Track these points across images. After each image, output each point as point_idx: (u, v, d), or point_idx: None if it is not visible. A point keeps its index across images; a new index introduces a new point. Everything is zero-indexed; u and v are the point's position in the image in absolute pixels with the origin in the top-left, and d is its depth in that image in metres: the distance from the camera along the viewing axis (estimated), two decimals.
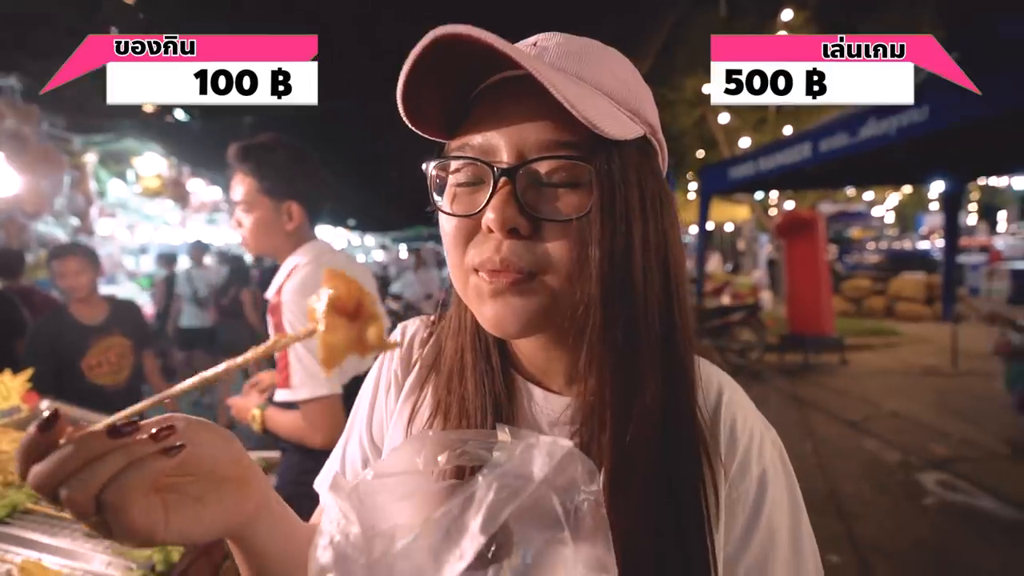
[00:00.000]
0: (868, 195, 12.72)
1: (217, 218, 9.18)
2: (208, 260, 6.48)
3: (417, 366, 0.60)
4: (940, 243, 13.38)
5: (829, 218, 9.99)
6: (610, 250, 0.44)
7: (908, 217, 19.94)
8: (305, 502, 1.54)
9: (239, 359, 0.42)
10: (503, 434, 0.40)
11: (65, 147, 5.17)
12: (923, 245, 15.94)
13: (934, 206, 16.98)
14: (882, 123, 3.22)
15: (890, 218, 14.43)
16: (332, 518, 0.37)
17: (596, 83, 0.47)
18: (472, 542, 0.33)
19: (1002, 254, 15.52)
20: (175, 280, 6.08)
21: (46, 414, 0.35)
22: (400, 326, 0.65)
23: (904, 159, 4.79)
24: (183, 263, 6.41)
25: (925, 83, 2.81)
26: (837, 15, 9.20)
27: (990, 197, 21.10)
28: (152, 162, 6.55)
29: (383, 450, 0.60)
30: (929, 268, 10.00)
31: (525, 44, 0.48)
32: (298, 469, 1.43)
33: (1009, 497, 3.37)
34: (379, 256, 20.27)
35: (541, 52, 0.47)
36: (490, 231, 0.45)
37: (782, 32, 9.57)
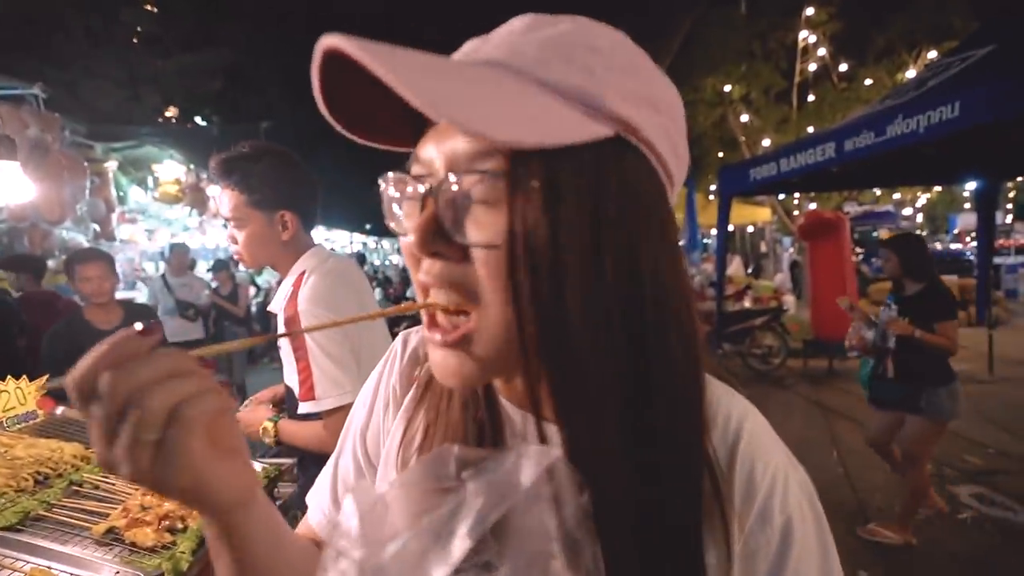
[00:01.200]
0: (896, 195, 12.33)
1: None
2: (199, 265, 6.73)
3: (416, 384, 0.56)
4: (973, 244, 12.86)
5: (855, 219, 9.71)
6: (536, 281, 0.37)
7: (939, 218, 19.26)
8: None
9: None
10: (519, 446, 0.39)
11: (86, 154, 5.30)
12: (955, 246, 15.39)
13: (967, 206, 16.39)
14: (910, 121, 3.08)
15: (919, 219, 13.93)
16: (342, 525, 0.38)
17: (541, 77, 0.38)
18: (460, 546, 0.34)
19: None
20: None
21: (140, 326, 0.36)
22: (401, 336, 0.61)
23: (934, 158, 4.59)
24: (162, 269, 6.24)
25: (956, 78, 2.66)
26: (862, 11, 8.94)
27: None
28: (171, 168, 6.67)
29: (378, 468, 0.57)
30: (962, 270, 9.62)
31: (508, 27, 0.43)
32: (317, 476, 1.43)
33: None
34: (396, 259, 20.40)
35: (506, 38, 0.41)
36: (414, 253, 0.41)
37: (804, 30, 9.34)
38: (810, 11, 8.90)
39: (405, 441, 0.53)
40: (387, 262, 19.99)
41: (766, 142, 10.05)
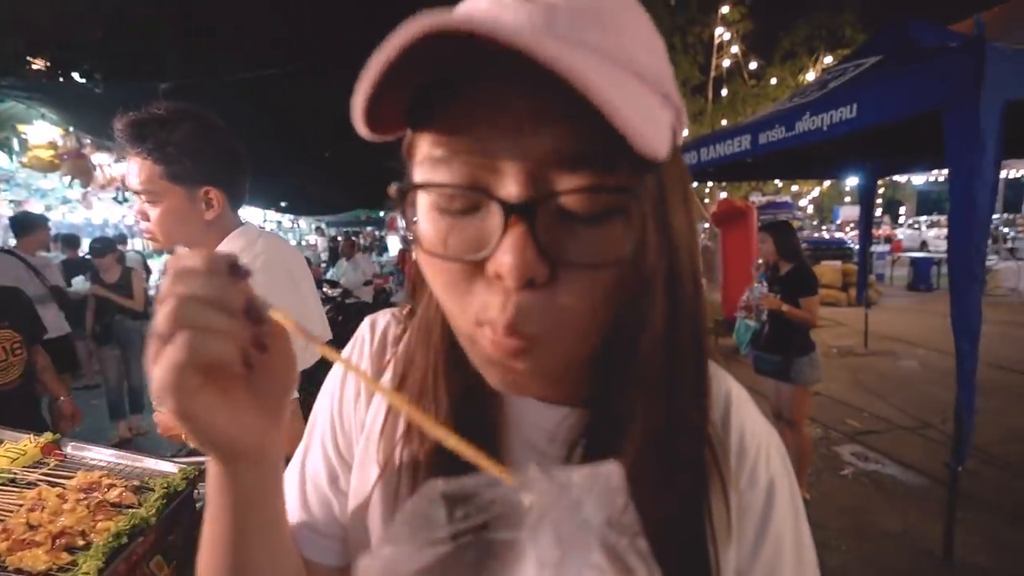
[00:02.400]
0: (794, 188, 13.60)
1: (131, 197, 8.29)
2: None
3: (389, 371, 0.51)
4: (853, 234, 14.54)
5: (759, 208, 10.59)
6: (663, 265, 0.38)
7: (826, 209, 21.61)
8: None
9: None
10: (529, 472, 0.31)
11: None
12: (839, 235, 17.32)
13: (847, 199, 18.51)
14: (815, 119, 3.35)
15: (810, 210, 15.52)
16: None
17: (627, 59, 0.33)
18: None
19: (902, 244, 17.19)
20: (81, 266, 5.43)
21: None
22: (368, 320, 0.56)
23: (830, 154, 5.08)
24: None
25: (852, 82, 2.92)
26: (770, 14, 9.65)
27: (892, 192, 23.27)
28: (43, 130, 5.77)
29: (353, 465, 0.52)
30: (845, 257, 10.84)
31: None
32: None
33: (911, 464, 3.72)
34: (312, 240, 19.28)
35: (548, 12, 0.32)
36: (498, 277, 0.33)
37: (720, 27, 9.91)
38: (725, 9, 9.46)
39: (385, 433, 0.49)
40: (303, 242, 18.86)
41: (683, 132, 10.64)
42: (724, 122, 9.77)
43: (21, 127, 5.66)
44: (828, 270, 9.88)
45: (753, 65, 9.96)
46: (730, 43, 9.98)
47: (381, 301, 7.53)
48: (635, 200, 0.33)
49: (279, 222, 20.24)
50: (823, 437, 4.22)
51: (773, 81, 9.71)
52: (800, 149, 3.59)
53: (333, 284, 7.16)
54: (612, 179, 0.32)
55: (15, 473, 1.39)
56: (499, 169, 0.32)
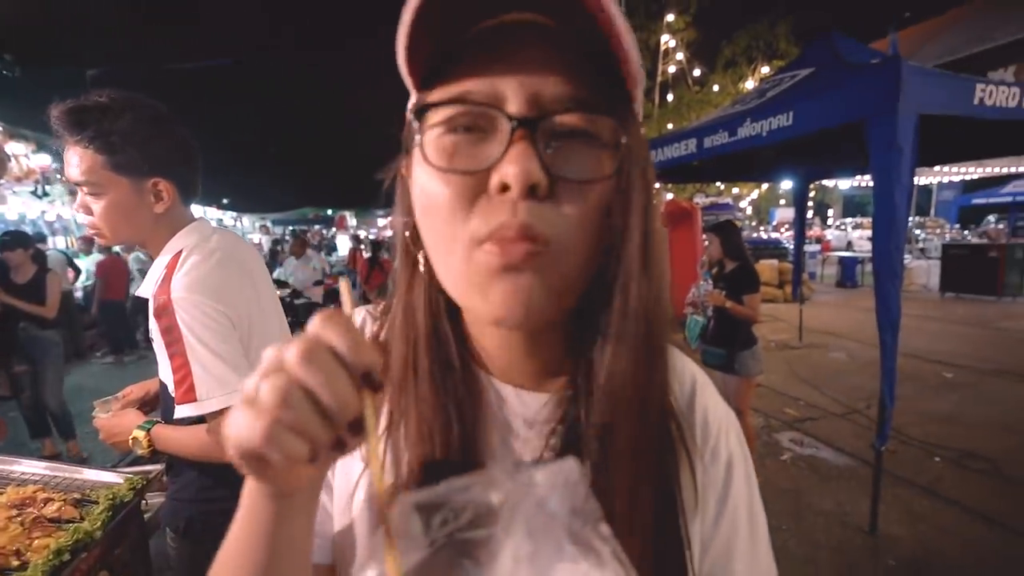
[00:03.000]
0: (735, 190, 14.34)
1: (52, 191, 7.61)
2: None
3: None
4: (788, 234, 15.50)
5: (703, 209, 11.07)
6: (637, 222, 0.41)
7: (763, 211, 22.92)
8: (214, 518, 1.31)
9: None
10: (491, 472, 0.33)
11: None
12: (775, 235, 18.41)
13: (782, 201, 19.72)
14: (755, 125, 3.56)
15: (749, 211, 16.43)
16: None
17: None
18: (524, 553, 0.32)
19: (831, 244, 18.49)
20: None
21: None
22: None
23: (767, 159, 5.39)
24: None
25: (788, 92, 3.11)
26: (712, 23, 10.13)
27: (822, 195, 24.98)
28: None
29: (336, 468, 0.52)
30: (781, 255, 11.53)
31: None
32: (197, 486, 1.25)
33: (842, 448, 4.02)
34: (256, 239, 18.45)
35: None
36: (503, 190, 0.37)
37: (665, 34, 10.30)
38: (671, 17, 9.84)
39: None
40: (248, 241, 17.97)
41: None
42: (670, 126, 10.18)
43: None
44: (766, 268, 10.48)
45: (697, 72, 10.44)
46: (675, 50, 10.40)
47: (331, 301, 7.32)
48: (617, 131, 0.39)
49: (220, 219, 19.22)
50: (764, 425, 4.49)
51: (716, 88, 10.22)
52: (741, 153, 3.81)
53: (282, 284, 6.90)
54: (602, 109, 0.38)
55: None
56: (506, 96, 0.38)
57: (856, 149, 2.96)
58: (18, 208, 7.31)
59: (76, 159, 1.14)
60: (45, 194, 7.57)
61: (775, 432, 4.38)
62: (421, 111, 0.40)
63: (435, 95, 0.40)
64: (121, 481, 1.51)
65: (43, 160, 6.79)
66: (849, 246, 18.05)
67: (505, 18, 0.39)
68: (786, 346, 7.12)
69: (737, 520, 0.50)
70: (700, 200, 12.77)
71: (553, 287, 0.39)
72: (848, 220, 23.26)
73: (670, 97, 10.72)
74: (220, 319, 1.15)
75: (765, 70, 9.64)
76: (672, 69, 10.53)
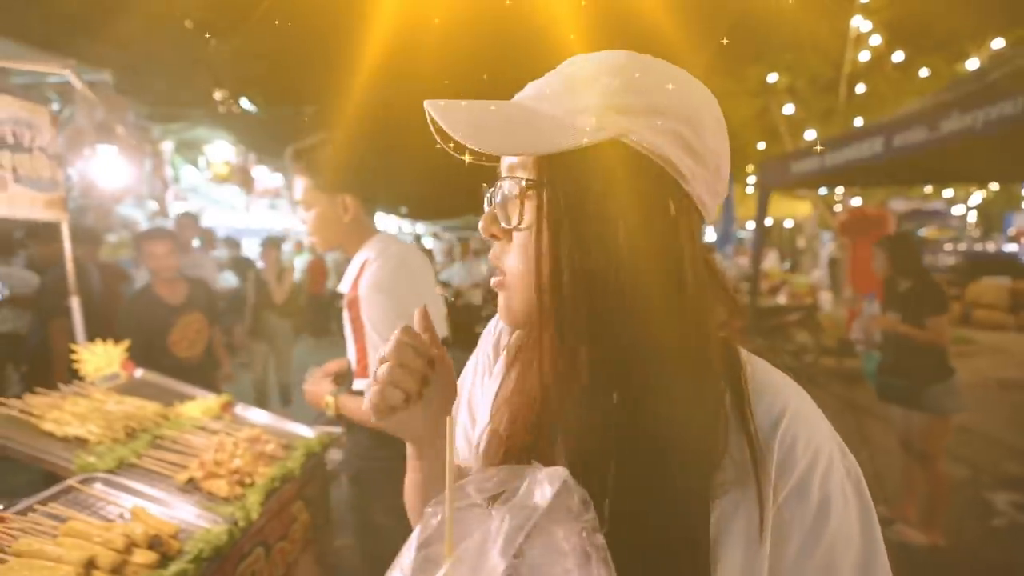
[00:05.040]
0: (948, 192, 11.71)
1: (278, 204, 9.64)
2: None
3: (504, 353, 0.65)
4: None
5: (901, 216, 9.33)
6: (547, 259, 0.49)
7: (994, 217, 18.10)
8: (376, 476, 1.63)
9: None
10: (530, 468, 0.44)
11: (145, 135, 5.58)
12: (1011, 247, 14.57)
13: None
14: (966, 116, 2.97)
15: (972, 217, 13.07)
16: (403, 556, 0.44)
17: (546, 107, 0.50)
18: (496, 569, 0.37)
19: None
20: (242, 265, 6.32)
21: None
22: (494, 319, 0.72)
23: (993, 154, 4.39)
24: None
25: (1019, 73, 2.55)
26: None
27: None
28: (221, 150, 6.97)
29: (476, 427, 0.67)
30: (1016, 272, 9.16)
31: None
32: (366, 445, 1.55)
33: None
34: (429, 244, 20.62)
35: (538, 81, 0.54)
36: None
37: (857, 16, 8.93)
38: None
39: (497, 395, 0.62)
40: (421, 246, 20.18)
41: (810, 134, 9.71)
42: (858, 121, 8.79)
43: (205, 147, 6.90)
44: (990, 288, 8.45)
45: (899, 56, 8.84)
46: (869, 34, 8.95)
47: (489, 302, 7.90)
48: (542, 187, 0.49)
49: (399, 227, 21.92)
50: (971, 479, 3.67)
51: (924, 73, 8.52)
52: (954, 149, 3.19)
53: (445, 285, 7.67)
54: (522, 173, 0.51)
55: (204, 423, 1.78)
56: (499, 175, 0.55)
57: None
58: (260, 219, 9.36)
59: (298, 184, 1.54)
60: (273, 206, 9.58)
61: (986, 490, 3.55)
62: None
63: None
64: (314, 436, 1.92)
65: (277, 180, 8.66)
66: None
67: None
68: (1013, 386, 5.66)
69: (834, 570, 0.47)
70: (897, 206, 10.76)
71: (512, 305, 0.54)
72: None
73: (860, 88, 9.27)
74: (392, 313, 1.43)
75: (999, 44, 7.71)
76: (864, 56, 9.10)
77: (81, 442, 1.48)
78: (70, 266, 2.05)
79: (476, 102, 0.51)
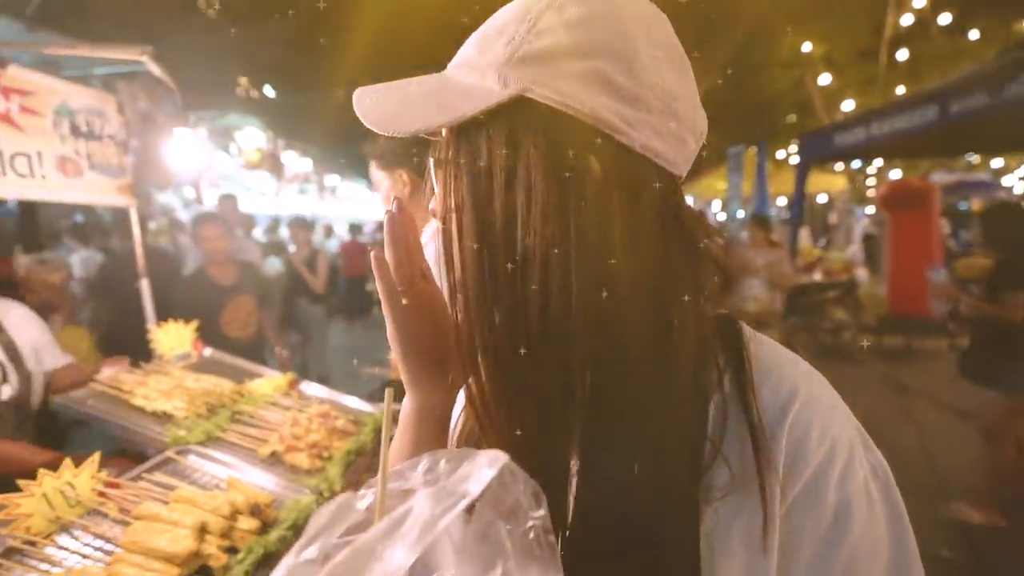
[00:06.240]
0: (997, 162, 11.17)
1: (307, 188, 9.76)
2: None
3: None
4: None
5: (944, 189, 8.96)
6: (456, 251, 0.43)
7: None
8: None
9: None
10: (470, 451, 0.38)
11: (181, 123, 5.68)
12: None
13: None
14: None
15: (1021, 189, 12.38)
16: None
17: (455, 71, 0.45)
18: (401, 553, 0.32)
19: None
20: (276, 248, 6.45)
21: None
22: None
23: None
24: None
25: None
26: None
27: None
28: (253, 136, 7.06)
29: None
30: None
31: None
32: None
33: None
34: None
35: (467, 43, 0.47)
36: None
37: None
38: None
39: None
40: None
41: (847, 105, 9.33)
42: (901, 89, 8.40)
43: (236, 134, 7.00)
44: None
45: (946, 18, 8.36)
46: None
47: None
48: (445, 166, 0.43)
49: None
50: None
51: (974, 34, 8.03)
52: (1013, 116, 3.04)
53: None
54: (435, 153, 0.45)
55: (276, 399, 1.84)
56: None
57: None
58: (289, 204, 9.50)
59: (372, 167, 1.60)
60: (303, 191, 9.71)
61: None
62: None
63: None
64: (379, 412, 1.97)
65: (306, 165, 8.76)
66: None
67: None
68: None
69: None
70: (940, 178, 10.33)
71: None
72: None
73: (903, 54, 8.82)
74: None
75: None
76: (908, 19, 8.64)
77: (168, 417, 1.55)
78: (139, 249, 2.12)
79: (399, 82, 0.46)
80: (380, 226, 0.58)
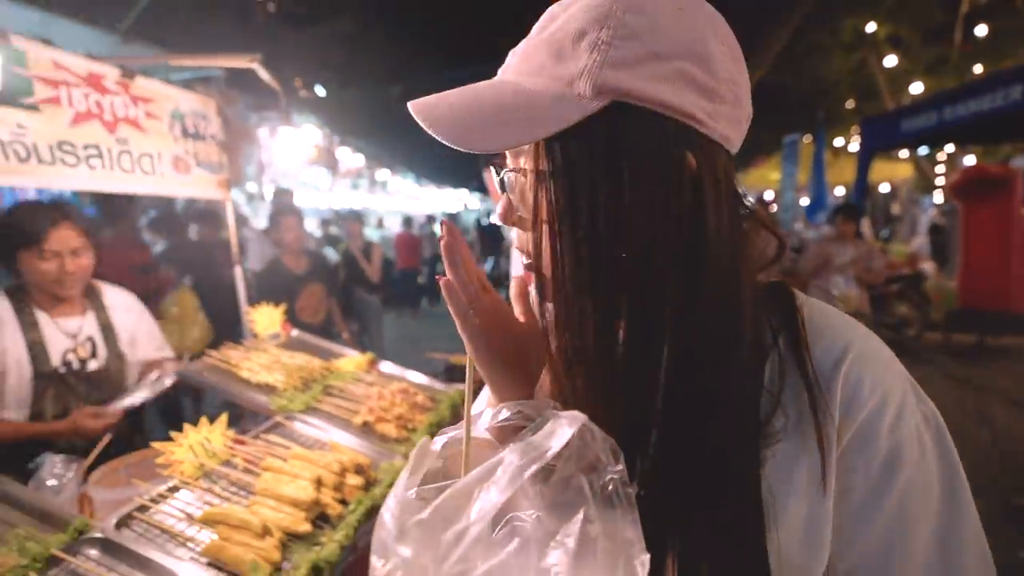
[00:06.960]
0: None
1: (360, 184, 10.12)
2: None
3: None
4: None
5: None
6: (567, 255, 0.43)
7: None
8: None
9: None
10: (549, 408, 0.44)
11: (258, 124, 6.05)
12: None
13: None
14: None
15: None
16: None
17: (528, 82, 0.44)
18: (493, 499, 0.36)
19: None
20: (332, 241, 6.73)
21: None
22: None
23: None
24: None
25: None
26: None
27: None
28: (308, 133, 7.37)
29: None
30: None
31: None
32: None
33: None
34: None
35: (522, 46, 0.48)
36: None
37: None
38: None
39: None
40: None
41: (915, 88, 8.79)
42: (979, 68, 7.83)
43: (295, 132, 7.33)
44: None
45: None
46: None
47: None
48: (546, 179, 0.44)
49: (465, 204, 22.35)
50: None
51: None
52: None
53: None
54: (525, 161, 0.46)
55: (359, 376, 1.99)
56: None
57: None
58: (343, 199, 9.89)
59: (487, 171, 1.71)
60: (355, 186, 10.07)
61: None
62: None
63: None
64: (454, 392, 2.09)
65: (359, 161, 9.10)
66: None
67: None
68: None
69: (911, 532, 0.43)
70: (1021, 163, 9.59)
71: (546, 293, 0.48)
72: None
73: (980, 30, 8.19)
74: None
75: None
76: None
77: (270, 388, 1.72)
78: (234, 239, 2.33)
79: (465, 92, 0.45)
80: (429, 219, 0.61)
